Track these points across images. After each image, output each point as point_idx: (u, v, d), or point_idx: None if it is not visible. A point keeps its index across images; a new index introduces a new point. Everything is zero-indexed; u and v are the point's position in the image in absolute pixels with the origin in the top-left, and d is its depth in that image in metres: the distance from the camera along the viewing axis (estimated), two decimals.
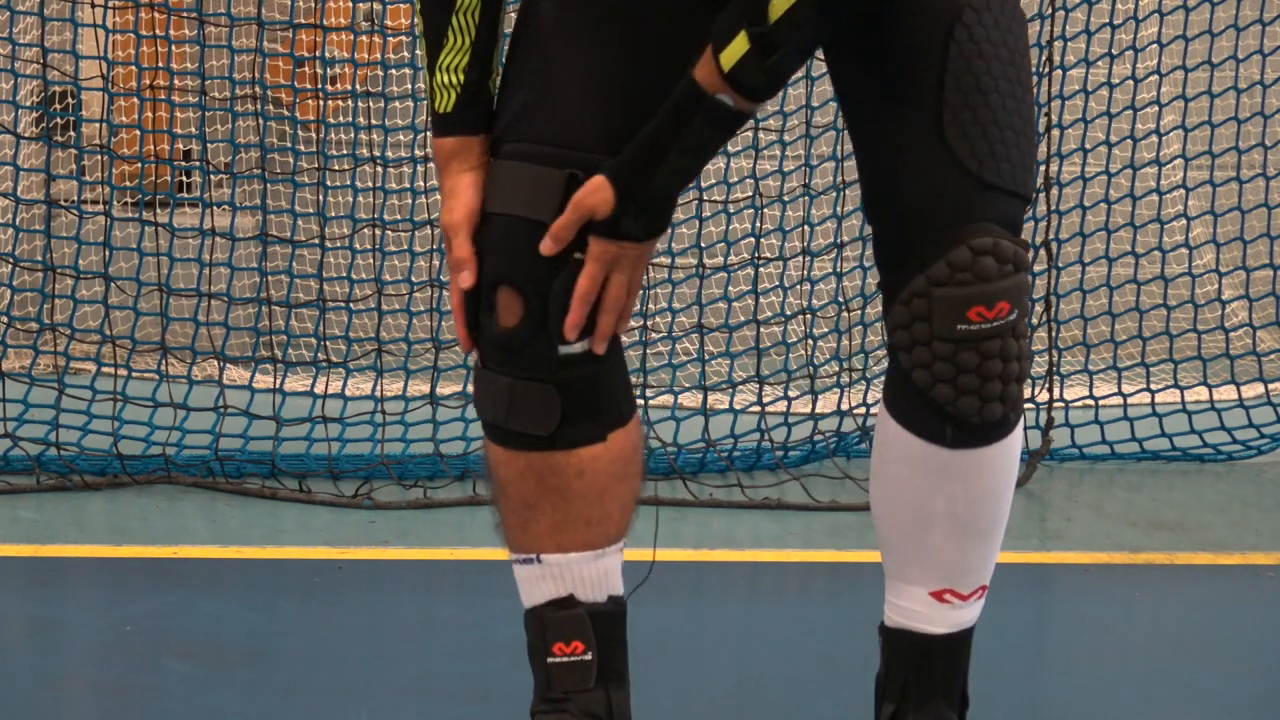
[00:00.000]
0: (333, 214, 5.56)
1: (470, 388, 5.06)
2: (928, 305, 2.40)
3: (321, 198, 5.39)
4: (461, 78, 2.47)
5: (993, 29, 2.42)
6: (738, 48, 2.30)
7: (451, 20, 2.45)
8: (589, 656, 2.54)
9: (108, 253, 5.13)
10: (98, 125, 5.53)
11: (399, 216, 5.68)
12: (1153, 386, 5.40)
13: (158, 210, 5.47)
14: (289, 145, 5.74)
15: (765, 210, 5.31)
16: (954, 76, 2.39)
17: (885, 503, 2.56)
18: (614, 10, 2.44)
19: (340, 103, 5.80)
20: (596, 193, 2.38)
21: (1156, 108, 5.58)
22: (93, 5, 5.06)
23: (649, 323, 5.32)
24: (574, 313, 2.42)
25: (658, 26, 2.44)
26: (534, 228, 2.41)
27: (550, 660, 2.55)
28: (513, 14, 2.51)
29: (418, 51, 5.71)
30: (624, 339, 2.55)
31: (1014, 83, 2.42)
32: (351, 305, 5.28)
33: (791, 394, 5.20)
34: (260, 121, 5.31)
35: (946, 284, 2.39)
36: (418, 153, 5.61)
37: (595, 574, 2.54)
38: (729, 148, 5.21)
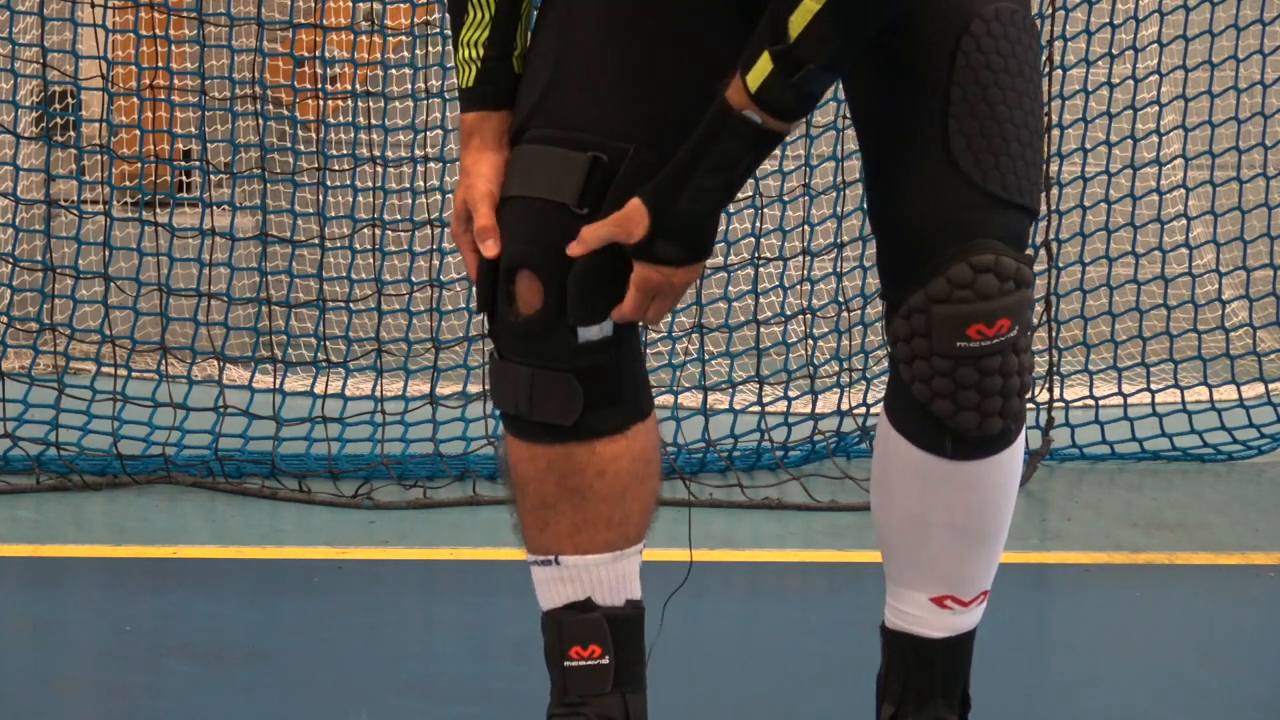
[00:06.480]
0: (333, 214, 5.56)
1: (470, 388, 5.11)
2: (927, 321, 2.38)
3: (321, 198, 5.38)
4: (481, 52, 2.47)
5: (1001, 40, 2.39)
6: (762, 68, 2.30)
7: None
8: (606, 661, 2.53)
9: (108, 253, 5.12)
10: (98, 125, 5.53)
11: (399, 216, 5.67)
12: (1153, 386, 5.39)
13: (157, 210, 5.47)
14: (289, 145, 5.73)
15: (765, 210, 5.31)
16: (960, 88, 2.37)
17: (885, 510, 2.55)
18: (635, 0, 2.44)
19: (340, 103, 5.79)
20: (633, 214, 2.36)
21: (1156, 108, 5.58)
22: (93, 5, 5.05)
23: None
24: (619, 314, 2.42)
25: (678, 17, 2.43)
26: (554, 209, 2.40)
27: (567, 664, 2.54)
28: None
29: (417, 51, 5.72)
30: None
31: (1022, 94, 2.40)
32: (351, 305, 5.27)
33: (791, 394, 5.19)
34: (260, 121, 5.31)
35: (946, 301, 2.37)
36: (418, 153, 5.60)
37: (614, 576, 2.53)
38: None
